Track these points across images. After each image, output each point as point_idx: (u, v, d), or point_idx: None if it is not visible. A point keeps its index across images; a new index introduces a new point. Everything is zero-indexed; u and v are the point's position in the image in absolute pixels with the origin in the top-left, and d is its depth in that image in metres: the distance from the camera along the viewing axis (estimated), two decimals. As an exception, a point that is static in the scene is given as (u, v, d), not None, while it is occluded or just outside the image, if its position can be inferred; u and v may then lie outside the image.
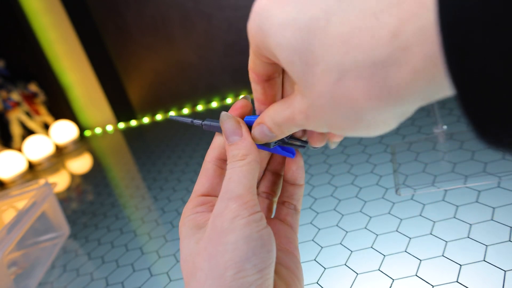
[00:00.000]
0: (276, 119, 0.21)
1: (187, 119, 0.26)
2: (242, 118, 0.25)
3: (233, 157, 0.23)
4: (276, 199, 0.29)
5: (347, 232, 0.75)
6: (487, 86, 0.09)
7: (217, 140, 0.26)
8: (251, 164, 0.22)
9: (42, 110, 2.29)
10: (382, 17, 0.12)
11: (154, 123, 2.16)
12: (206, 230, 0.22)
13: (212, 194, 0.25)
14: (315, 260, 0.70)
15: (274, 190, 0.29)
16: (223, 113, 0.24)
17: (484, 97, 0.10)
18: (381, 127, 0.14)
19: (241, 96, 0.28)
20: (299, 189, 0.28)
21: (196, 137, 1.67)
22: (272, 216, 0.28)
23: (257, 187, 0.28)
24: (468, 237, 0.64)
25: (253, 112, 0.26)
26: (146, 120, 2.27)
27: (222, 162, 0.25)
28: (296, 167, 0.27)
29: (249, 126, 0.25)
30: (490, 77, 0.09)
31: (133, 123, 2.30)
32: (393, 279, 0.60)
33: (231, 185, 0.22)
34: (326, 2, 0.13)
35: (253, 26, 0.17)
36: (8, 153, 1.97)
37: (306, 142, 0.25)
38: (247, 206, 0.21)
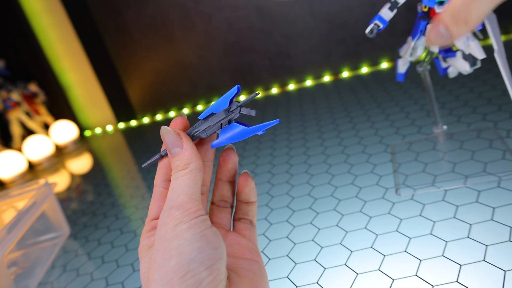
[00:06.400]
0: (456, 7, 0.20)
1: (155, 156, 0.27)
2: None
3: (176, 167, 0.24)
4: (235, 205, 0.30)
5: (347, 232, 0.75)
6: None
7: (161, 163, 0.27)
8: (192, 172, 0.23)
9: (42, 110, 2.29)
10: None
11: (154, 123, 2.16)
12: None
13: None
14: (315, 260, 0.70)
15: (232, 197, 0.30)
16: (163, 127, 0.25)
17: None
18: None
19: (179, 114, 0.30)
20: (253, 206, 0.29)
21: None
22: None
23: (213, 197, 0.30)
24: (468, 237, 0.64)
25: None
26: (146, 120, 2.27)
27: (168, 183, 0.26)
28: (248, 189, 0.28)
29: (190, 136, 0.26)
30: None
31: (133, 123, 2.30)
32: (393, 279, 0.60)
33: (173, 195, 0.22)
34: None
35: None
36: (8, 153, 1.97)
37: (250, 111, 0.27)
38: (189, 212, 0.22)
